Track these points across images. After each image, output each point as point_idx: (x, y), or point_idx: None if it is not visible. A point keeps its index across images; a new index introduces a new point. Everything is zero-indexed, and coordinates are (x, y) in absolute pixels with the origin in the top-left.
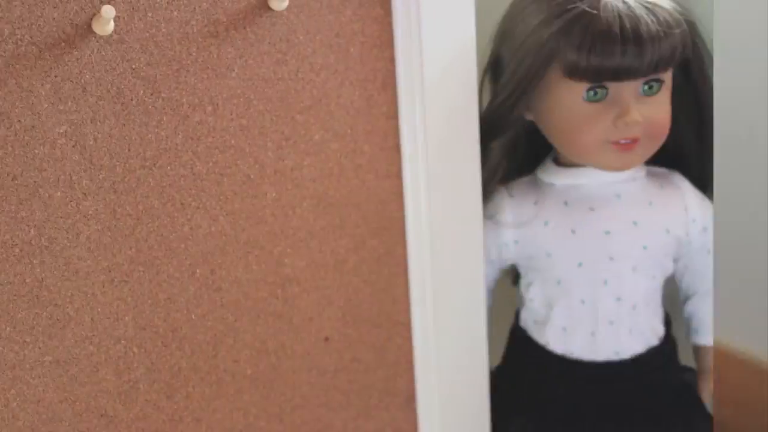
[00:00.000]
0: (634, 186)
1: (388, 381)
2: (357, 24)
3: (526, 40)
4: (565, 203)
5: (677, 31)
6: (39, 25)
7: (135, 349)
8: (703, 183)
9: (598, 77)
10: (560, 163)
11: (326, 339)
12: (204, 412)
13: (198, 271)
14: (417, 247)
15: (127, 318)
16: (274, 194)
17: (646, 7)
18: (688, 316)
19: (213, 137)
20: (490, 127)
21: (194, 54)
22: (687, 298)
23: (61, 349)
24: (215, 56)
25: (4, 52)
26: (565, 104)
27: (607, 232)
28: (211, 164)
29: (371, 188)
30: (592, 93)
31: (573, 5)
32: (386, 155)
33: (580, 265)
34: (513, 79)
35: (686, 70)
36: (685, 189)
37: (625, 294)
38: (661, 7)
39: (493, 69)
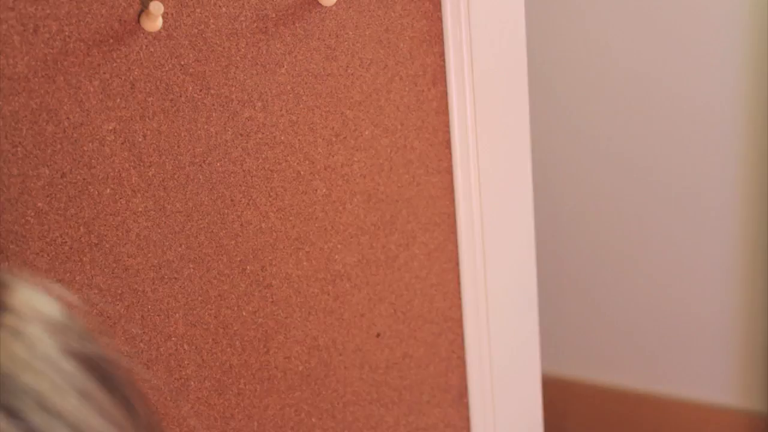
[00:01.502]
0: None
1: (439, 377)
2: (406, 19)
3: None
4: None
5: None
6: (87, 21)
7: (186, 346)
8: None
9: None
10: None
11: (378, 335)
12: (255, 409)
13: (248, 267)
14: (468, 242)
15: (177, 315)
16: (324, 190)
17: None
18: None
19: (262, 133)
20: None
21: (243, 50)
22: None
23: (111, 347)
24: (264, 52)
25: (53, 48)
26: None
27: None
28: (260, 160)
29: (421, 184)
30: None
31: None
32: (436, 151)
33: None
34: None
35: None
36: None
37: None
38: None
39: None
